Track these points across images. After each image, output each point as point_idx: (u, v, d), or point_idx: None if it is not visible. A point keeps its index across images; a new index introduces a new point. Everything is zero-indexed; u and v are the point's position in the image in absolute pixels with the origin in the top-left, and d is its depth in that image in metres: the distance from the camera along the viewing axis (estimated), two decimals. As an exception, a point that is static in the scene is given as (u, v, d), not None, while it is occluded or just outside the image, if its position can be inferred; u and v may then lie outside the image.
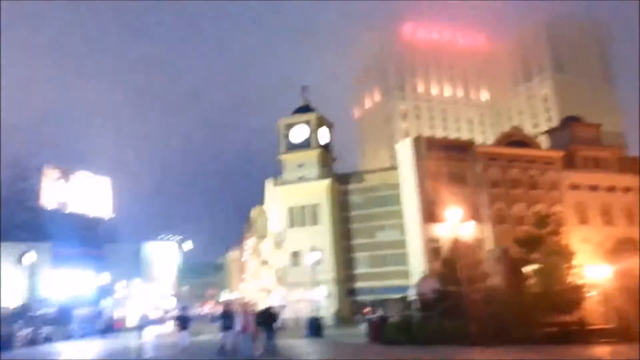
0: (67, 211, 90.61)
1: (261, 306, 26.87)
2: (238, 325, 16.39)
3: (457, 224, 26.51)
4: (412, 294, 29.95)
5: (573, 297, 23.77)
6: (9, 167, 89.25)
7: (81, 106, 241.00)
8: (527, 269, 29.10)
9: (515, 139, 48.31)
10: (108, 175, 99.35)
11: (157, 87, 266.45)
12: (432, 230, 41.38)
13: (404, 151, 46.27)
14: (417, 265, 41.97)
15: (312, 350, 20.97)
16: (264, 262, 62.12)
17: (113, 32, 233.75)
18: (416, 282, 26.94)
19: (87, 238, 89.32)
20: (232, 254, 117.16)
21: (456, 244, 24.21)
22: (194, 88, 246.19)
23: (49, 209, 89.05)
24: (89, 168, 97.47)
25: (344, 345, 23.09)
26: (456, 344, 19.07)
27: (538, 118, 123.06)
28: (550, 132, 56.16)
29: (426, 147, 44.12)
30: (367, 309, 42.93)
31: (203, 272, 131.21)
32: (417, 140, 46.06)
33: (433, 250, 41.31)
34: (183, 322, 18.36)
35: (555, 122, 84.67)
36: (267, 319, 17.94)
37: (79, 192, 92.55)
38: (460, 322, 20.27)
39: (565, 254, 25.10)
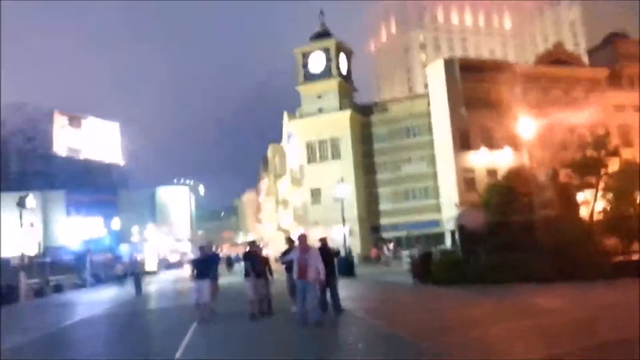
0: (81, 158, 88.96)
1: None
2: (295, 270, 10.60)
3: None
4: (450, 228, 27.12)
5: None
6: (18, 113, 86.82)
7: (89, 50, 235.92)
8: (582, 194, 26.06)
9: (557, 57, 43.56)
10: (118, 121, 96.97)
11: (167, 28, 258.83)
12: (466, 159, 37.96)
13: (436, 74, 42.13)
14: (450, 197, 38.84)
15: (365, 294, 17.85)
16: (282, 202, 59.77)
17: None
18: (457, 215, 23.77)
19: (102, 184, 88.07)
20: (248, 196, 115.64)
21: (509, 171, 20.74)
22: (205, 23, 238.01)
23: (62, 156, 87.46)
24: (99, 114, 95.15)
25: (392, 286, 20.05)
26: (516, 281, 16.06)
27: (565, 45, 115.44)
28: (592, 50, 51.22)
29: (460, 69, 39.82)
30: (373, 250, 40.22)
31: (217, 215, 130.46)
32: (450, 62, 41.78)
33: (467, 180, 38.08)
34: (202, 267, 12.47)
35: (582, 49, 78.59)
36: (327, 260, 11.39)
37: (90, 138, 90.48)
38: (518, 256, 17.19)
39: (635, 176, 21.64)
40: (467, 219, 21.86)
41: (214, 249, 14.44)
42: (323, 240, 12.30)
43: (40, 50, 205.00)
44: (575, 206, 25.25)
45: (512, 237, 18.87)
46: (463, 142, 38.62)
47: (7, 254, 56.26)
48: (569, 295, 13.77)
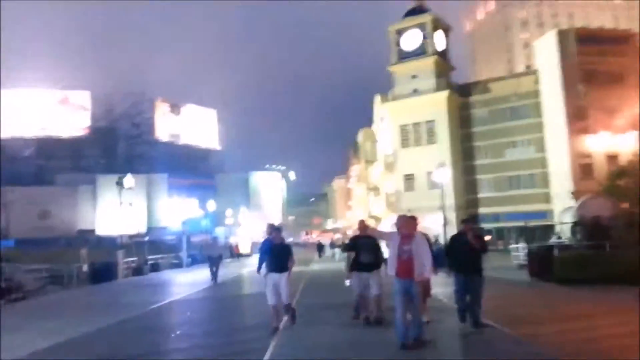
0: (180, 143, 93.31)
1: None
2: (392, 264, 7.69)
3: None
4: (563, 220, 24.12)
5: None
6: (125, 100, 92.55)
7: (183, 39, 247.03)
8: None
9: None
10: (214, 108, 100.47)
11: (257, 16, 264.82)
12: (583, 143, 34.01)
13: (546, 49, 38.11)
14: (562, 186, 35.11)
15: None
16: (373, 188, 58.19)
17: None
18: (578, 204, 20.87)
19: (200, 168, 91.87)
20: (337, 182, 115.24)
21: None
22: (296, 7, 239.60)
23: (163, 141, 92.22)
24: (196, 101, 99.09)
25: (507, 285, 16.69)
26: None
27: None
28: None
29: (575, 42, 35.63)
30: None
31: (307, 201, 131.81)
32: (565, 33, 37.52)
33: (583, 167, 34.15)
34: (278, 255, 9.42)
35: None
36: (460, 251, 8.63)
37: (189, 124, 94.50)
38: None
39: None
40: (591, 210, 19.07)
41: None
42: (469, 223, 9.04)
43: (139, 39, 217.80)
44: None
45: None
46: (579, 123, 34.64)
47: (113, 233, 60.11)
48: None
